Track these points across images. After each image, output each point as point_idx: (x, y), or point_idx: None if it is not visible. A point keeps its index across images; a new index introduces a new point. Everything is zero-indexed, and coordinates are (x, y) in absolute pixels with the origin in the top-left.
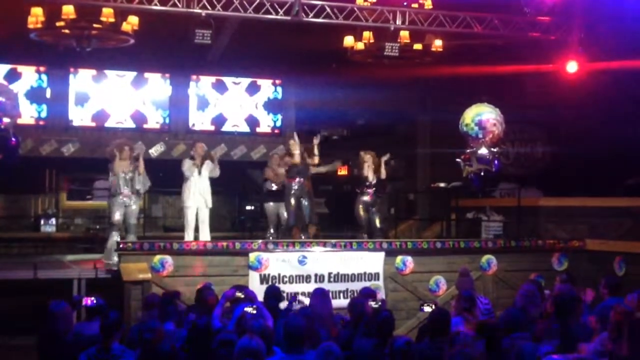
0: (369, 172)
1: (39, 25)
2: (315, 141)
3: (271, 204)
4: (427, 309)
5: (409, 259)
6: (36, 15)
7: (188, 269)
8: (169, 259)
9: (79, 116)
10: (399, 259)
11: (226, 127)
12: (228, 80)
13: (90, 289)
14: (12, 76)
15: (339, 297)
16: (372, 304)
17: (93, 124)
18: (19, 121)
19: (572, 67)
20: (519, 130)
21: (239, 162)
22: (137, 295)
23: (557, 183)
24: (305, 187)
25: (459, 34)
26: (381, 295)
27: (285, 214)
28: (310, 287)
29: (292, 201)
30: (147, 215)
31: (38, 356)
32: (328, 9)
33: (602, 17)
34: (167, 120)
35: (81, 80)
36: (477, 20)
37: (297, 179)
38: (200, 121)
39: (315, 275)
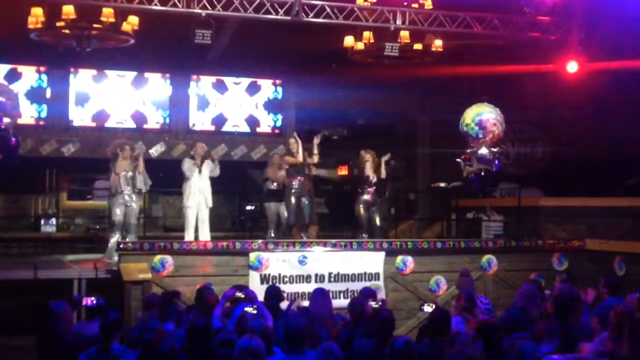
0: (369, 171)
1: (39, 25)
2: (316, 140)
3: (272, 203)
4: (427, 309)
5: (409, 259)
6: (36, 15)
7: (188, 269)
8: (169, 259)
9: (79, 116)
10: (399, 258)
11: (226, 127)
12: (228, 80)
13: (91, 289)
14: (12, 76)
15: (339, 297)
16: (373, 304)
17: (93, 124)
18: (19, 121)
19: (572, 67)
20: (519, 130)
21: (239, 162)
22: (137, 295)
23: (557, 183)
24: (305, 186)
25: (459, 34)
26: (381, 295)
27: (285, 214)
28: (311, 287)
29: (293, 200)
30: (147, 215)
31: (38, 356)
32: (328, 9)
33: (602, 17)
34: (167, 120)
35: (81, 80)
36: (477, 20)
37: (298, 178)
38: (200, 121)
39: (316, 275)
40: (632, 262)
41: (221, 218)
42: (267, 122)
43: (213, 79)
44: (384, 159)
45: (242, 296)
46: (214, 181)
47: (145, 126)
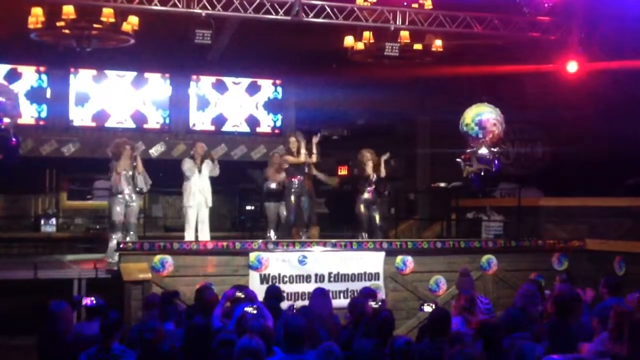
0: (369, 171)
1: (39, 25)
2: (315, 140)
3: (272, 203)
4: (427, 308)
5: (409, 259)
6: (36, 15)
7: (188, 269)
8: (169, 258)
9: (79, 116)
10: (399, 258)
11: (226, 127)
12: (228, 80)
13: (91, 289)
14: (12, 76)
15: (339, 297)
16: (373, 304)
17: (93, 124)
18: (19, 121)
19: (572, 67)
20: (519, 130)
21: (239, 162)
22: (137, 295)
23: (557, 183)
24: (305, 185)
25: (459, 34)
26: (381, 295)
27: (285, 213)
28: (311, 287)
29: (292, 199)
30: (147, 215)
31: (38, 356)
32: (328, 9)
33: (602, 17)
34: (167, 120)
35: (81, 80)
36: (477, 20)
37: (297, 177)
38: (200, 121)
39: (316, 275)
40: (632, 262)
41: (221, 218)
42: (267, 122)
43: (213, 79)
44: (384, 158)
45: (242, 296)
46: (214, 181)
47: (145, 126)
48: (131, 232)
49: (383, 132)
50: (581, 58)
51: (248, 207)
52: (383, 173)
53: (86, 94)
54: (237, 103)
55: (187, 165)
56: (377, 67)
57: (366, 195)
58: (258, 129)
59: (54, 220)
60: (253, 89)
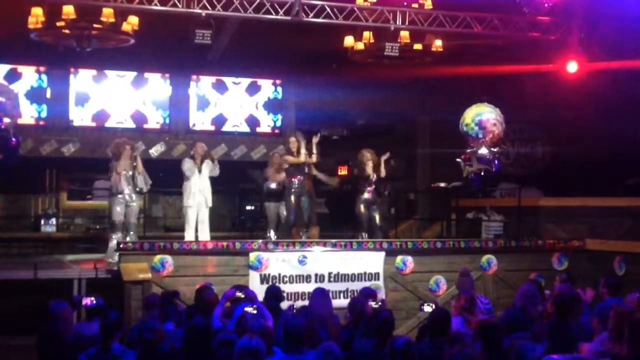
0: (370, 170)
1: (39, 25)
2: (315, 140)
3: (272, 203)
4: (427, 308)
5: (409, 259)
6: (36, 15)
7: (188, 269)
8: (169, 258)
9: (79, 116)
10: (399, 258)
11: (226, 127)
12: (228, 80)
13: (91, 289)
14: (12, 76)
15: (339, 297)
16: (373, 304)
17: (93, 124)
18: (19, 121)
19: (572, 67)
20: (519, 130)
21: (239, 162)
22: (137, 295)
23: (557, 183)
24: (305, 185)
25: (459, 34)
26: (381, 295)
27: (285, 213)
28: (310, 287)
29: (292, 199)
30: (147, 215)
31: (38, 356)
32: (328, 9)
33: (602, 17)
34: (167, 120)
35: (81, 80)
36: (477, 20)
37: (297, 177)
38: (200, 121)
39: (316, 275)
40: (632, 262)
41: (221, 218)
42: (267, 122)
43: (213, 79)
44: (384, 158)
45: (242, 296)
46: (213, 181)
47: (145, 126)
48: (131, 232)
49: (383, 132)
50: (581, 58)
51: (248, 207)
52: (383, 173)
53: (86, 94)
54: (237, 103)
55: (187, 165)
56: (377, 67)
57: (366, 195)
58: (258, 129)
59: (54, 220)
60: (253, 89)
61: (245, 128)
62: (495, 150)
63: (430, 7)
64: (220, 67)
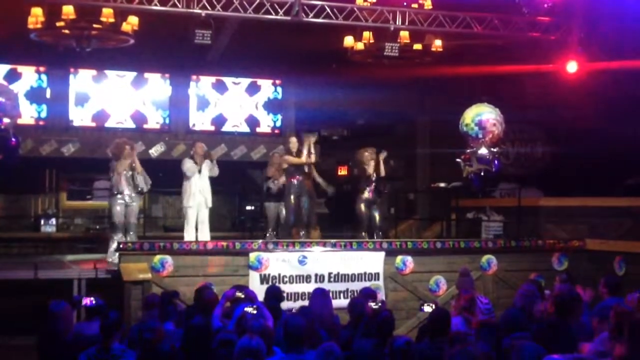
0: (370, 170)
1: (39, 26)
2: (312, 140)
3: (272, 203)
4: (427, 308)
5: (409, 259)
6: (36, 16)
7: (188, 269)
8: (169, 259)
9: (79, 116)
10: (399, 258)
11: (226, 127)
12: (228, 80)
13: (90, 289)
14: (12, 76)
15: (339, 297)
16: (373, 305)
17: (93, 124)
18: (19, 121)
19: (572, 67)
20: (519, 130)
21: (239, 162)
22: (137, 295)
23: (557, 183)
24: (305, 186)
25: (458, 34)
26: (381, 295)
27: (285, 214)
28: (310, 287)
29: (292, 199)
30: (147, 215)
31: (38, 356)
32: (328, 9)
33: (602, 17)
34: (167, 121)
35: (81, 80)
36: (477, 21)
37: (297, 177)
38: (200, 121)
39: (316, 275)
40: (632, 262)
41: (221, 218)
42: (267, 122)
43: (213, 79)
44: (381, 156)
45: (242, 296)
46: (213, 181)
47: (145, 126)
48: (131, 233)
49: (383, 132)
50: (581, 58)
51: (248, 207)
52: (383, 172)
53: (86, 94)
54: (237, 103)
55: (188, 165)
56: (376, 67)
57: (367, 195)
58: (258, 129)
59: (53, 220)
60: (253, 89)
61: (245, 128)
62: (495, 150)
63: (430, 7)
64: (220, 67)
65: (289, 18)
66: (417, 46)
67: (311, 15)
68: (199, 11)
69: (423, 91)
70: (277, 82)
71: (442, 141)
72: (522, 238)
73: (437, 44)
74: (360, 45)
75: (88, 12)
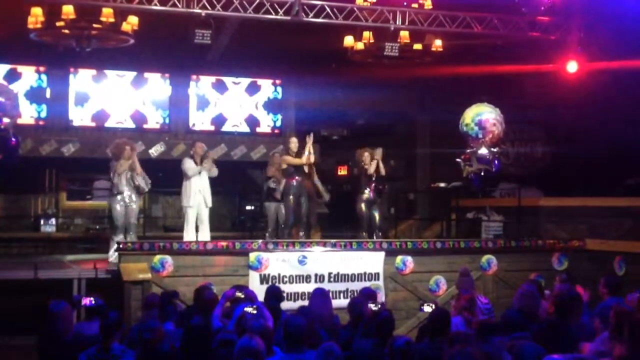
0: (371, 169)
1: (39, 25)
2: (309, 141)
3: (272, 203)
4: (427, 308)
5: (409, 259)
6: (36, 15)
7: (188, 269)
8: (169, 259)
9: (79, 116)
10: (399, 258)
11: (226, 127)
12: (228, 80)
13: (90, 289)
14: (12, 76)
15: (339, 297)
16: (372, 307)
17: (93, 124)
18: (19, 121)
19: (571, 67)
20: (519, 130)
21: (239, 162)
22: (137, 295)
23: (557, 183)
24: (304, 186)
25: (458, 34)
26: (381, 295)
27: (284, 214)
28: (310, 287)
29: (291, 200)
30: (147, 215)
31: (38, 356)
32: (328, 9)
33: (602, 16)
34: (167, 120)
35: (81, 80)
36: (476, 20)
37: (295, 178)
38: (200, 121)
39: (315, 275)
40: (632, 262)
41: (221, 218)
42: (266, 122)
43: (213, 78)
44: (377, 154)
45: (242, 296)
46: (213, 181)
47: (145, 126)
48: (131, 233)
49: (383, 132)
50: (581, 58)
51: (248, 207)
52: (383, 171)
53: (86, 94)
54: (237, 103)
55: (189, 164)
56: (376, 67)
57: (367, 195)
58: (258, 129)
59: (53, 220)
60: (253, 89)
61: (245, 128)
62: (495, 150)
63: (430, 7)
64: (220, 67)
65: (289, 18)
66: (417, 46)
67: (311, 15)
68: (199, 11)
69: (423, 91)
70: (277, 82)
71: (442, 141)
72: (522, 238)
73: (437, 43)
74: (360, 45)
75: (88, 12)
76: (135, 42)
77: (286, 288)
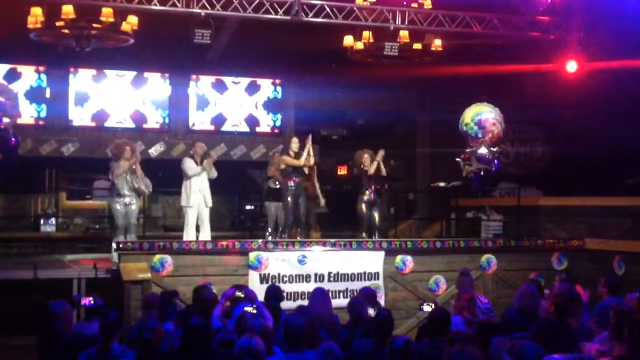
0: (371, 170)
1: (39, 25)
2: (308, 142)
3: (272, 203)
4: (427, 308)
5: (409, 259)
6: (36, 15)
7: (188, 268)
8: (168, 258)
9: (79, 116)
10: (398, 258)
11: (226, 127)
12: (228, 80)
13: (90, 289)
14: (12, 76)
15: (339, 297)
16: (371, 311)
17: (93, 124)
18: (19, 121)
19: (571, 66)
20: (519, 130)
21: (239, 162)
22: (137, 295)
23: (556, 183)
24: (303, 187)
25: (458, 33)
26: (381, 295)
27: (284, 214)
28: (310, 286)
29: (290, 200)
30: (147, 215)
31: (38, 356)
32: (327, 9)
33: (602, 16)
34: (167, 120)
35: (81, 80)
36: (476, 20)
37: (293, 179)
38: (200, 121)
39: (315, 274)
40: (632, 262)
41: (221, 218)
42: (266, 122)
43: (212, 78)
44: (380, 156)
45: (242, 296)
46: (213, 181)
47: (144, 126)
48: (131, 233)
49: (383, 132)
50: (581, 58)
51: (248, 207)
52: (383, 172)
53: (86, 94)
54: (237, 103)
55: (188, 164)
56: (376, 67)
57: (368, 196)
58: (257, 129)
59: (53, 220)
60: (252, 89)
61: (245, 128)
62: (494, 149)
63: (430, 6)
64: (219, 66)
65: (288, 18)
66: (417, 46)
67: (311, 14)
68: (199, 11)
69: (423, 91)
70: (277, 81)
71: (442, 141)
72: (521, 237)
73: (437, 43)
74: (359, 45)
75: (88, 11)
76: (135, 42)
77: (286, 288)
